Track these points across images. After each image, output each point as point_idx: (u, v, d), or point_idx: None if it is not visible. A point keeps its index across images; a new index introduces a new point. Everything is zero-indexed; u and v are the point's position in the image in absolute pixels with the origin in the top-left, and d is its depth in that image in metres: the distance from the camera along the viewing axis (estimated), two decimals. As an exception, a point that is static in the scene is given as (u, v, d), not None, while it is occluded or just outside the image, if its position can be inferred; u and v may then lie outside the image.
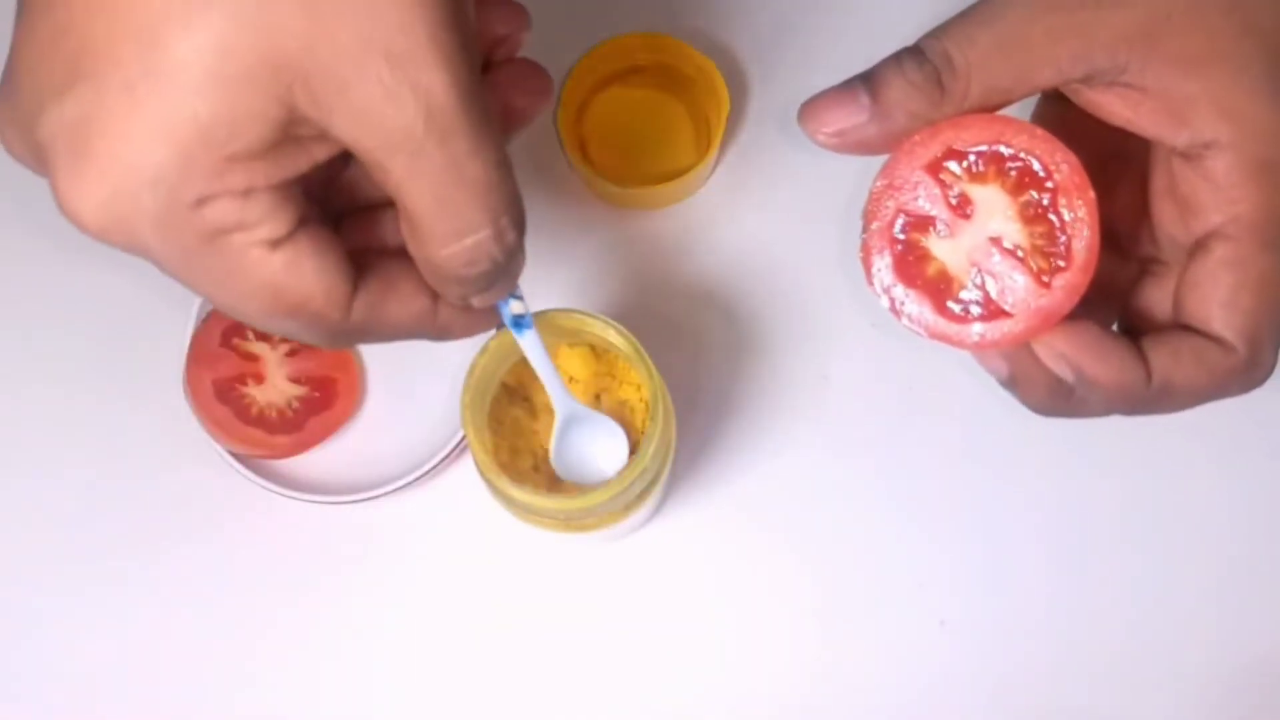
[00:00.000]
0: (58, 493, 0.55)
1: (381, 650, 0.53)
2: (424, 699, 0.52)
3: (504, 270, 0.32)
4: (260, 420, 0.53)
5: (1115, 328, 0.38)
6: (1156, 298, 0.37)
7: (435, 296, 0.33)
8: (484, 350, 0.42)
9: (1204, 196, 0.33)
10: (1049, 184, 0.34)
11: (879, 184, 0.35)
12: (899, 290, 0.35)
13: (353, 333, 0.32)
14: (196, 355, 0.53)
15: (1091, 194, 0.33)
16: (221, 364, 0.53)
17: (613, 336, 0.43)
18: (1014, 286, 0.34)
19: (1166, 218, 0.36)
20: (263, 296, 0.30)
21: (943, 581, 0.53)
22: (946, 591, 0.53)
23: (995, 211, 0.34)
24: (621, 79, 0.57)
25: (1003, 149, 0.34)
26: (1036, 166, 0.34)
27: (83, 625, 0.53)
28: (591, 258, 0.56)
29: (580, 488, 0.45)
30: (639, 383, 0.47)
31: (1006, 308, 0.34)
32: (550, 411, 0.44)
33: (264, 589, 0.53)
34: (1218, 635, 0.52)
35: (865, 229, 0.35)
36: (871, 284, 0.35)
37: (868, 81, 0.34)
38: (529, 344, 0.40)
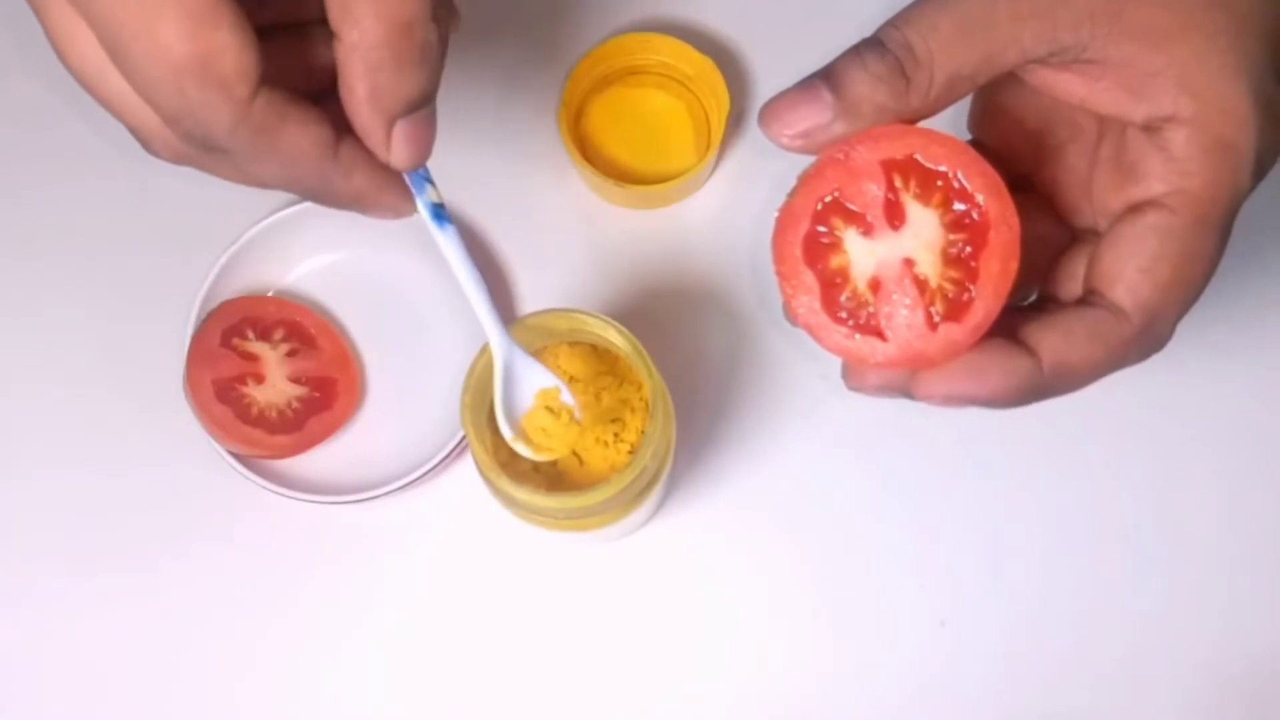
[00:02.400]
0: (58, 492, 0.55)
1: (381, 650, 0.53)
2: (424, 699, 0.52)
3: (432, 71, 0.30)
4: (260, 420, 0.53)
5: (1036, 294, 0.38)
6: (1080, 268, 0.36)
7: (340, 132, 0.31)
8: (484, 350, 0.42)
9: (1153, 165, 0.32)
10: (985, 235, 0.32)
11: (830, 154, 0.33)
12: (796, 264, 0.33)
13: (252, 130, 0.30)
14: (196, 355, 0.53)
15: (1015, 265, 0.32)
16: (221, 364, 0.53)
17: (613, 336, 0.43)
18: (902, 316, 0.33)
19: (1106, 183, 0.35)
20: (178, 28, 0.27)
21: (943, 581, 0.53)
22: (946, 591, 0.52)
23: (923, 235, 0.33)
24: (621, 79, 0.57)
25: (960, 180, 0.32)
26: (980, 214, 0.32)
27: (82, 624, 0.53)
28: (591, 258, 0.56)
29: (580, 488, 0.45)
30: (639, 382, 0.47)
31: (885, 331, 0.33)
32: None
33: (264, 589, 0.53)
34: (1218, 635, 0.52)
35: (794, 191, 0.34)
36: (773, 245, 0.34)
37: (828, 78, 0.32)
38: (450, 245, 0.36)
